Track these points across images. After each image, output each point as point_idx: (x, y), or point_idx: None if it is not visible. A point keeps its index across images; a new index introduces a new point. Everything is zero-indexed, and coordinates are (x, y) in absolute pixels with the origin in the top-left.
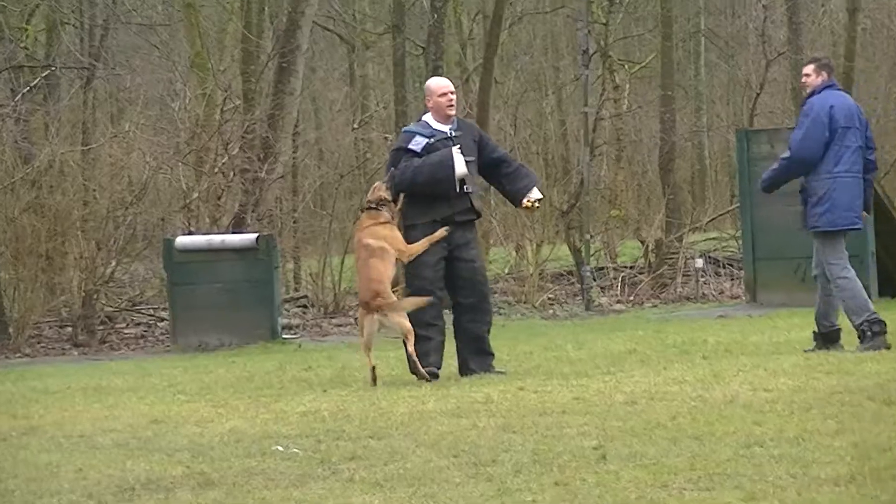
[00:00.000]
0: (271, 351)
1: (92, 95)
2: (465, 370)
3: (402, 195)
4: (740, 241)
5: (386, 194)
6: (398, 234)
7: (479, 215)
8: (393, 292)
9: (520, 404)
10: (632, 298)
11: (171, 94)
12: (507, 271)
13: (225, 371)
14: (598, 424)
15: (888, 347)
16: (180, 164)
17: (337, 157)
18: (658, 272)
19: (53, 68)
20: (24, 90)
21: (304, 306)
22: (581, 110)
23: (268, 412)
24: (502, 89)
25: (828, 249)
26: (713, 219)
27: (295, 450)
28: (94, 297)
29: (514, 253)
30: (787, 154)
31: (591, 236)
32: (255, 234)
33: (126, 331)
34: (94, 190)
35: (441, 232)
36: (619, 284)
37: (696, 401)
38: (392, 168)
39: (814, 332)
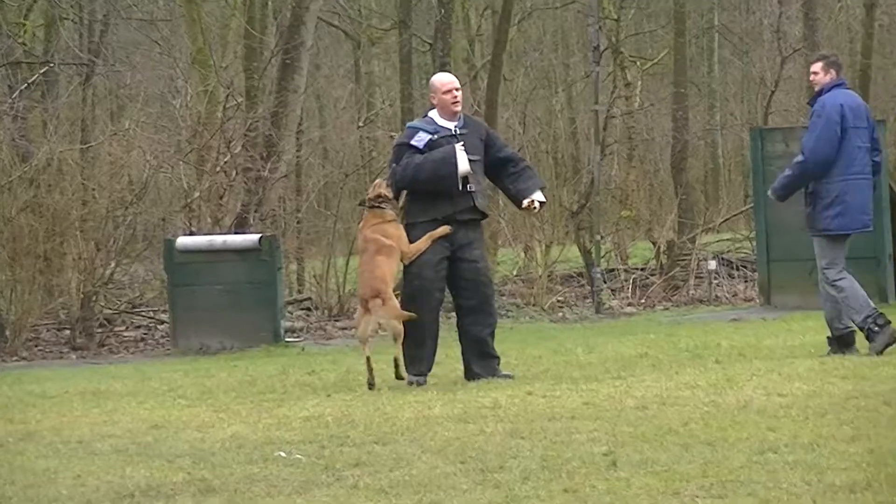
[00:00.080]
0: (274, 354)
1: (91, 92)
2: (469, 374)
3: (403, 193)
4: (754, 243)
5: (386, 191)
6: (403, 234)
7: (484, 215)
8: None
9: (528, 409)
10: (643, 301)
11: (172, 92)
12: (515, 273)
13: (226, 375)
14: (608, 430)
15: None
16: (181, 162)
17: (342, 155)
18: (670, 274)
19: (52, 64)
20: (22, 87)
21: (308, 309)
22: (592, 108)
23: (270, 417)
24: (511, 86)
25: (828, 252)
26: (726, 219)
27: (298, 456)
28: (93, 298)
29: (522, 254)
30: (800, 158)
31: (602, 237)
32: (258, 235)
33: (125, 333)
34: (94, 189)
35: (443, 229)
36: (630, 286)
37: (708, 406)
38: (394, 164)
39: (828, 337)
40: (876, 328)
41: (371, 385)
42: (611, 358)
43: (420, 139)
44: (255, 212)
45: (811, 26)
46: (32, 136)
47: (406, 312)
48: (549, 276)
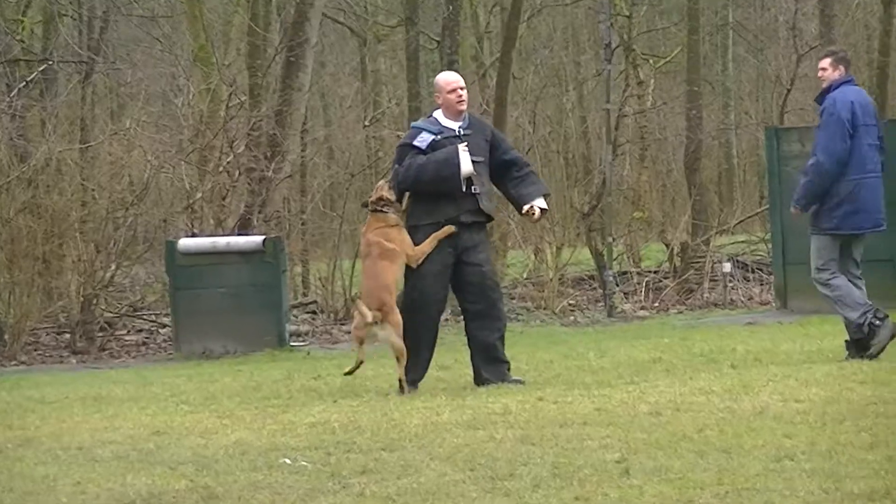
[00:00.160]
0: (279, 359)
1: (91, 91)
2: (478, 379)
3: (406, 194)
4: (770, 245)
5: (388, 194)
6: (408, 238)
7: (489, 218)
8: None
9: (539, 415)
10: (656, 304)
11: (173, 90)
12: (525, 276)
13: (230, 380)
14: (620, 437)
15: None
16: (183, 162)
17: (347, 155)
18: (684, 277)
19: (51, 62)
20: (20, 85)
21: (313, 312)
22: (603, 107)
23: (275, 423)
24: (521, 85)
25: (826, 253)
26: (741, 221)
27: (303, 463)
28: (93, 302)
29: (532, 256)
30: (813, 160)
31: (614, 239)
32: (262, 237)
33: (126, 337)
34: (93, 190)
35: (447, 229)
36: (643, 290)
37: (723, 412)
38: (396, 165)
39: (846, 341)
40: (877, 322)
41: (350, 372)
42: (623, 363)
43: (423, 140)
44: (259, 213)
45: (827, 23)
46: (31, 136)
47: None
48: (560, 278)
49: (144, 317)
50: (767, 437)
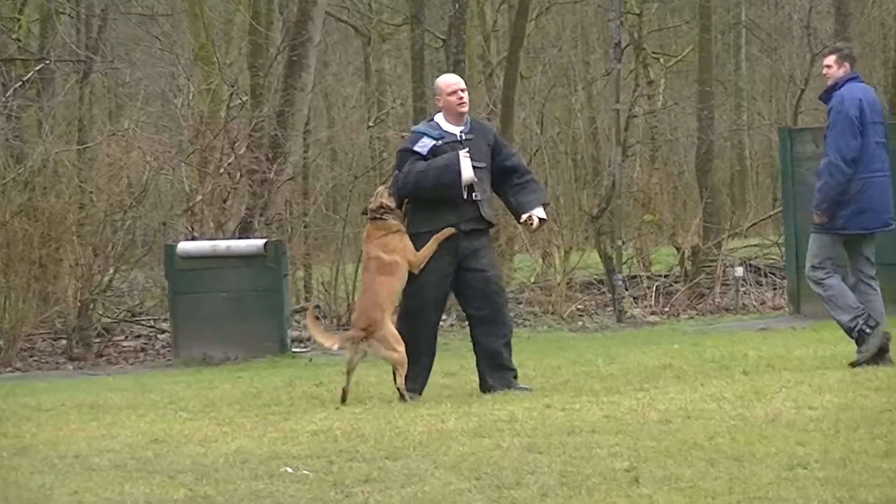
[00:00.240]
0: (280, 365)
1: (89, 91)
2: (484, 386)
3: (405, 201)
4: (783, 248)
5: (388, 201)
6: (409, 244)
7: (490, 225)
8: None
9: (546, 423)
10: (667, 309)
11: (173, 90)
12: (532, 280)
13: (230, 387)
14: (630, 444)
15: (890, 338)
16: (183, 164)
17: (351, 157)
18: (695, 281)
19: (48, 61)
20: (17, 85)
21: (316, 317)
22: (613, 107)
23: (276, 431)
24: (528, 85)
25: (824, 251)
26: (754, 224)
27: (305, 471)
28: (91, 307)
29: (540, 260)
30: (826, 161)
31: (623, 242)
32: (263, 240)
33: (124, 343)
34: (91, 192)
35: (448, 230)
36: (654, 294)
37: (735, 419)
38: (396, 171)
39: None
40: (867, 330)
41: (343, 398)
42: (633, 369)
43: (424, 145)
44: (260, 216)
45: (843, 21)
46: (27, 137)
47: (400, 340)
48: (568, 283)
49: (143, 322)
50: (780, 444)
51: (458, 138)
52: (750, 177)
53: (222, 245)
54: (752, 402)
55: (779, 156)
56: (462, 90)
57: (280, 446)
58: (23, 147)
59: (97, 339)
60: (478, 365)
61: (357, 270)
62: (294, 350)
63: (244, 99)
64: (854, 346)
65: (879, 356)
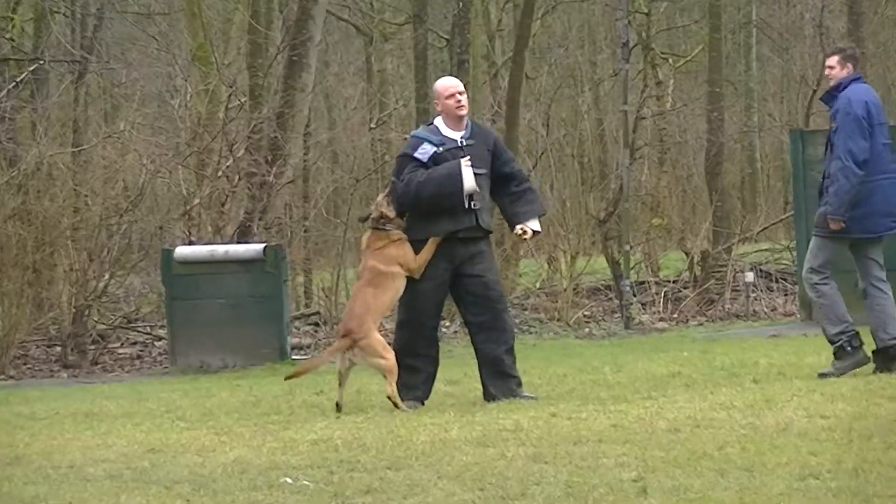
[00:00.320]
0: (279, 373)
1: (84, 91)
2: (487, 395)
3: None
4: (795, 253)
5: (388, 211)
6: (409, 252)
7: (488, 232)
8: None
9: (552, 432)
10: (675, 316)
11: (170, 91)
12: (538, 286)
13: (228, 395)
14: (637, 454)
15: (869, 359)
16: (180, 167)
17: (352, 159)
18: (704, 287)
19: (42, 62)
20: (10, 86)
21: (316, 324)
22: (620, 108)
23: (275, 440)
24: (534, 85)
25: (824, 254)
26: (765, 228)
27: (305, 482)
28: (86, 313)
29: (546, 265)
30: (838, 165)
31: (631, 247)
32: (262, 245)
33: (120, 350)
34: (86, 195)
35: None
36: (662, 300)
37: (745, 428)
38: (394, 178)
39: (873, 352)
40: (849, 348)
41: (338, 409)
42: (641, 377)
43: (424, 151)
44: (260, 220)
45: (856, 21)
46: (21, 139)
47: (388, 347)
48: (574, 289)
49: (139, 329)
50: (791, 454)
51: (459, 144)
52: (761, 180)
53: (220, 250)
54: (763, 410)
55: (790, 158)
56: (460, 93)
57: (279, 456)
58: (16, 149)
59: (92, 346)
60: (480, 373)
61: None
62: (294, 357)
63: (243, 100)
64: (869, 354)
65: (890, 364)
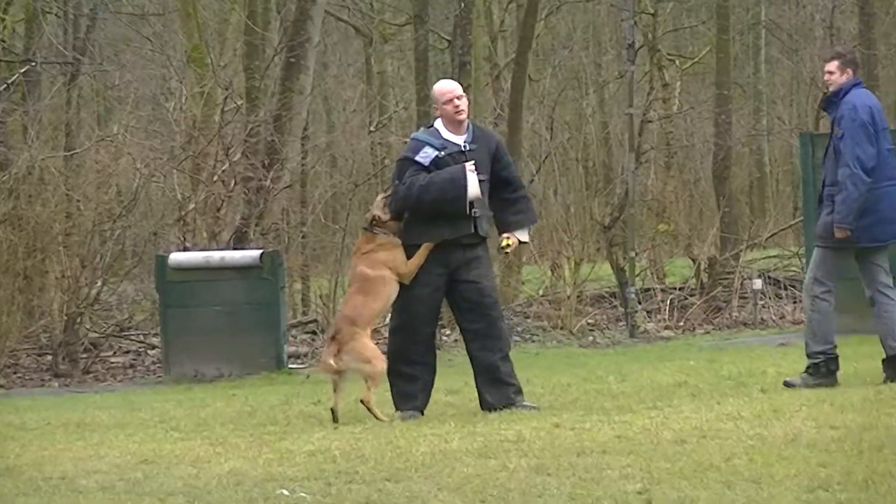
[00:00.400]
0: (276, 382)
1: (76, 94)
2: (483, 404)
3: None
4: (804, 260)
5: (382, 213)
6: (399, 256)
7: (484, 239)
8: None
9: (555, 443)
10: (682, 324)
11: (165, 93)
12: (541, 293)
13: (224, 405)
14: (642, 466)
15: (838, 384)
16: (175, 171)
17: (351, 163)
18: (711, 294)
19: (33, 63)
20: (1, 88)
21: (314, 332)
22: (626, 111)
23: (272, 451)
24: (537, 88)
25: (827, 265)
26: (774, 234)
27: (302, 494)
28: (78, 321)
29: (549, 272)
30: (846, 172)
31: (637, 253)
32: (259, 251)
33: (113, 359)
34: (79, 200)
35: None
36: (668, 308)
37: (753, 439)
38: (396, 182)
39: (883, 360)
40: (824, 370)
41: (334, 418)
42: (646, 386)
43: (426, 155)
44: (256, 225)
45: (867, 22)
46: (12, 142)
47: (379, 353)
48: (578, 296)
49: (132, 337)
50: (800, 466)
51: (462, 149)
52: (769, 185)
53: (216, 256)
54: (771, 421)
55: (800, 162)
56: (458, 97)
57: (276, 467)
58: (7, 153)
59: (84, 355)
60: (476, 382)
61: None
62: (291, 366)
63: (239, 102)
64: (879, 363)
65: None
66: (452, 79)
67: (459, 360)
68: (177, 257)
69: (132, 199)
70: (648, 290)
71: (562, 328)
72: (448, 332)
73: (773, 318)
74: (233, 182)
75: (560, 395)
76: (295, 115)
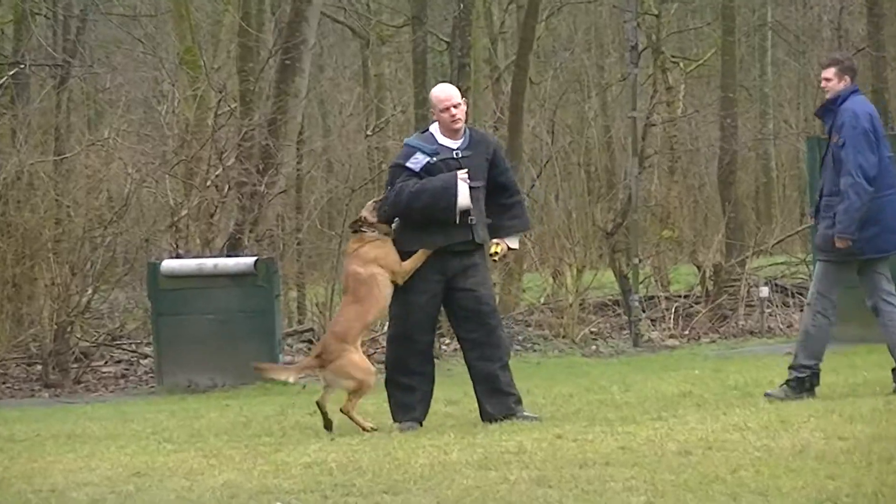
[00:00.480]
0: (271, 392)
1: (66, 97)
2: (483, 415)
3: (395, 220)
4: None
5: (370, 215)
6: (390, 252)
7: (481, 246)
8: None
9: (557, 455)
10: (686, 332)
11: (157, 96)
12: (542, 301)
13: (217, 415)
14: (647, 478)
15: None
16: (167, 176)
17: (348, 168)
18: (717, 302)
19: (22, 65)
20: None
21: (310, 341)
22: (629, 115)
23: (267, 463)
24: (538, 90)
25: (829, 278)
26: (780, 240)
27: None
28: (68, 330)
29: (550, 279)
30: (849, 181)
31: (640, 260)
32: (254, 258)
33: (104, 369)
34: (69, 206)
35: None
36: (672, 316)
37: (760, 451)
38: (389, 187)
39: (893, 370)
40: (807, 385)
41: (327, 427)
42: (650, 397)
43: (417, 161)
44: (251, 232)
45: (876, 23)
46: (0, 147)
47: (368, 367)
48: (580, 304)
49: (124, 346)
50: (808, 478)
51: (455, 156)
52: (776, 189)
53: (209, 263)
54: (778, 432)
55: (807, 167)
56: (455, 106)
57: (271, 480)
58: None
59: (75, 365)
60: (475, 391)
61: None
62: None
63: (233, 106)
64: (889, 373)
65: None
66: (451, 82)
67: (458, 370)
68: (169, 264)
69: (123, 204)
70: (652, 297)
71: (564, 337)
72: (447, 342)
73: (781, 326)
74: (226, 187)
75: (562, 405)
76: (290, 118)
